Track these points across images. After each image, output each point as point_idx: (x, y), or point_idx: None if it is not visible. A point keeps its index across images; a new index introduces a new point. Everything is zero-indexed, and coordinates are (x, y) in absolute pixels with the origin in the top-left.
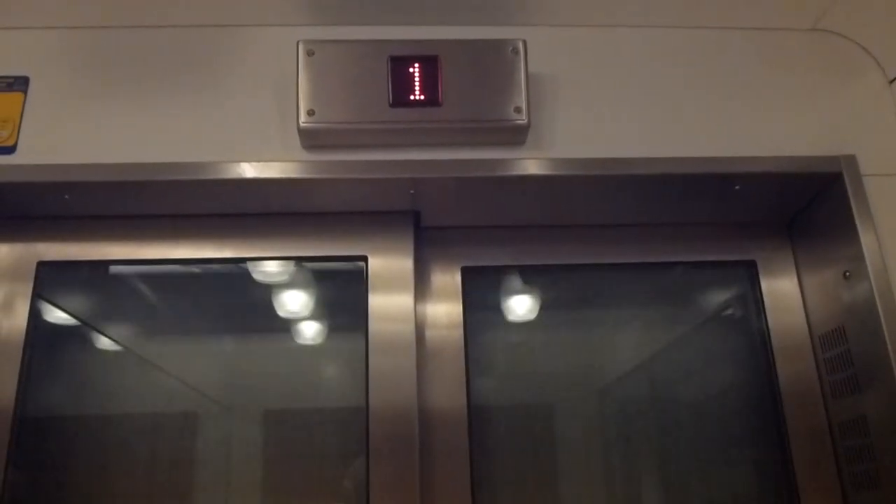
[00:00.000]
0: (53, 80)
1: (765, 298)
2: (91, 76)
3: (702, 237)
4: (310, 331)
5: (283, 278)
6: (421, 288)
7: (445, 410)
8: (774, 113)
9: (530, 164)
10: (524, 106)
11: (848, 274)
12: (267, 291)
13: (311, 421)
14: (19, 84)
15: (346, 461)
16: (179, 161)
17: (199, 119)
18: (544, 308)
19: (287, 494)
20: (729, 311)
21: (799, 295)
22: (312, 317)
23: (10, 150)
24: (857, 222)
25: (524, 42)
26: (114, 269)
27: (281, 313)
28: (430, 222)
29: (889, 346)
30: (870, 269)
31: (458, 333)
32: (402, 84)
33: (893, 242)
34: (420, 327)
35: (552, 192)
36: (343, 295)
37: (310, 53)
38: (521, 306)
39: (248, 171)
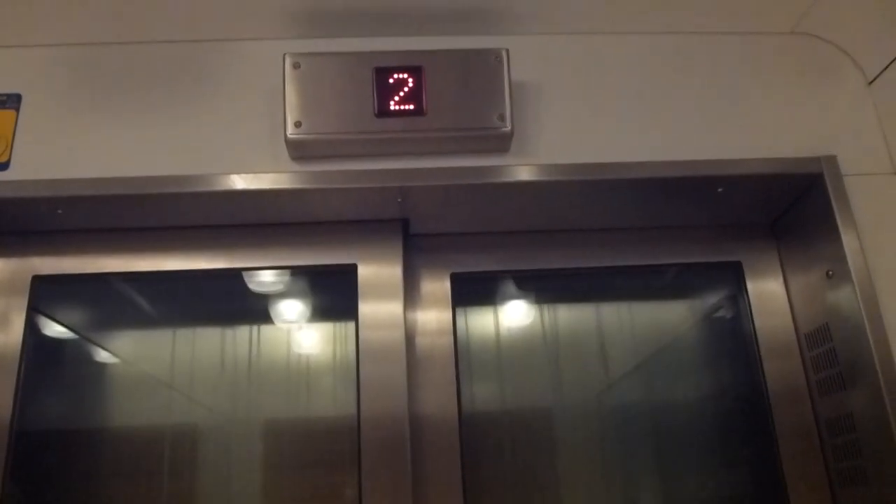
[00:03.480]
0: (45, 96)
1: (751, 298)
2: (82, 92)
3: (687, 239)
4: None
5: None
6: (411, 295)
7: (436, 416)
8: (756, 115)
9: (514, 171)
10: (507, 114)
11: (831, 273)
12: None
13: None
14: (12, 101)
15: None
16: (170, 174)
17: (189, 132)
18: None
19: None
20: (717, 312)
21: (784, 294)
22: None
23: (4, 166)
24: (839, 222)
25: (507, 51)
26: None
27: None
28: (419, 230)
29: (872, 344)
30: (852, 267)
31: (448, 340)
32: (387, 94)
33: (874, 241)
34: (410, 334)
35: (537, 198)
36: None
37: (296, 66)
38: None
39: (238, 182)
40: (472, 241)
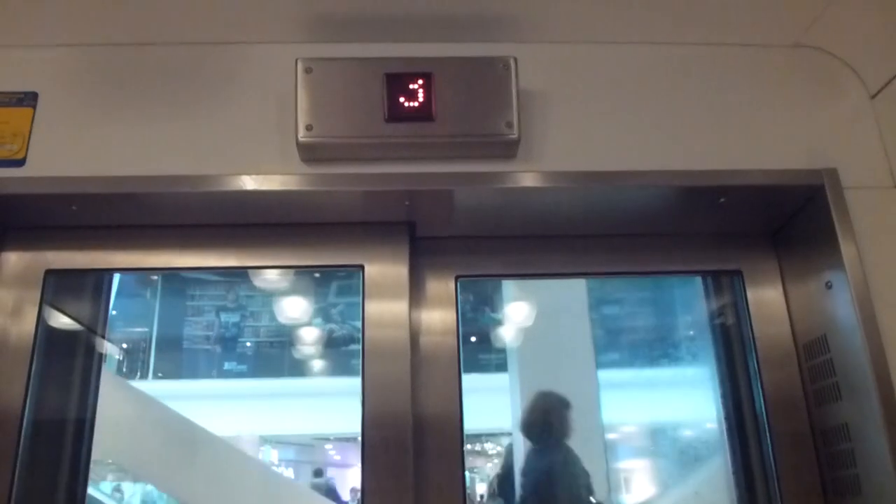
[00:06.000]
0: (61, 95)
1: (750, 307)
2: (97, 92)
3: (689, 248)
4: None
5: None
6: (416, 296)
7: (439, 416)
8: (759, 127)
9: (520, 177)
10: (515, 121)
11: (830, 284)
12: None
13: None
14: (29, 99)
15: None
16: (183, 174)
17: (202, 133)
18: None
19: None
20: (717, 320)
21: (784, 304)
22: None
23: (20, 163)
24: (839, 234)
25: (515, 59)
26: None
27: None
28: (425, 233)
29: (868, 355)
30: (850, 279)
31: (452, 340)
32: (396, 100)
33: (873, 253)
34: (415, 334)
35: (542, 204)
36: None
37: (308, 71)
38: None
39: (249, 183)
40: (478, 244)
